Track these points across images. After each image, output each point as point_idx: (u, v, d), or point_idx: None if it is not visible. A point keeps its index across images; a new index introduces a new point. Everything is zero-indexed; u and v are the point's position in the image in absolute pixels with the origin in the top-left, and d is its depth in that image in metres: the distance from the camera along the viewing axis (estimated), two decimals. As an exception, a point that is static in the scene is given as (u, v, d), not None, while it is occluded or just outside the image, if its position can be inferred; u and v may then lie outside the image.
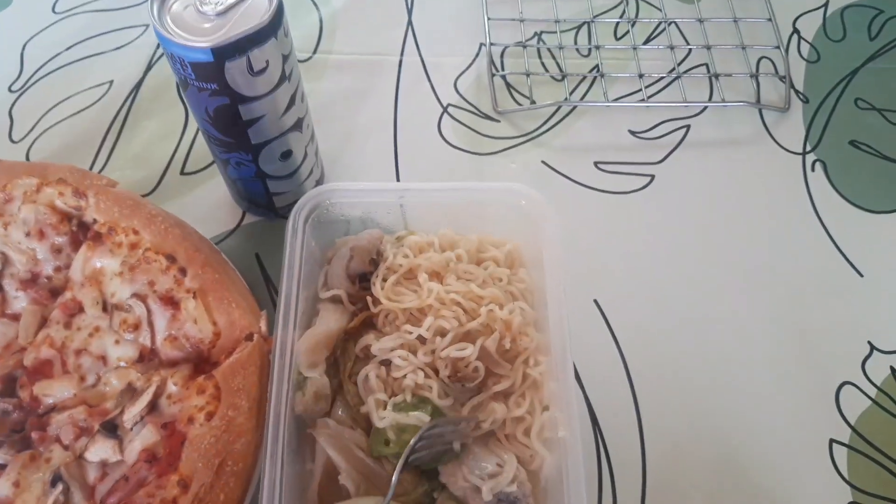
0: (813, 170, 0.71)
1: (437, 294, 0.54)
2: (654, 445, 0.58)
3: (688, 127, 0.73)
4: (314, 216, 0.58)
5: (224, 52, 0.48)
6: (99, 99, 0.73)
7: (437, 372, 0.53)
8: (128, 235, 0.57)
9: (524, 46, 0.77)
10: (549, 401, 0.52)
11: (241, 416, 0.51)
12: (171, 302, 0.56)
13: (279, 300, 0.53)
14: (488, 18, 0.78)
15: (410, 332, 0.53)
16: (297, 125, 0.58)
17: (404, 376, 0.52)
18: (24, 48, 0.77)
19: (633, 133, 0.73)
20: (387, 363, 0.54)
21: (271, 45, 0.50)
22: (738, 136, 0.73)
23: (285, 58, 0.53)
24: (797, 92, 0.76)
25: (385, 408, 0.52)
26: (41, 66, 0.75)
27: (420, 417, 0.51)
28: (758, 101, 0.74)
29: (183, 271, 0.56)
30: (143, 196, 0.67)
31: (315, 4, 0.81)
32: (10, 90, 0.74)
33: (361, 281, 0.58)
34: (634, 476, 0.57)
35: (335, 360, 0.55)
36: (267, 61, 0.51)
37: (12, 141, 0.71)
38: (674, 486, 0.57)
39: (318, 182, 0.67)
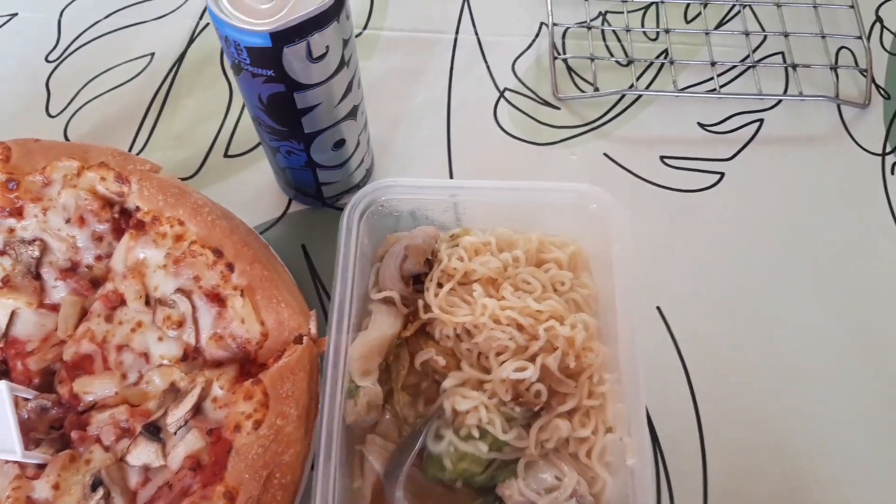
0: (892, 172, 0.67)
1: (492, 312, 0.51)
2: (717, 465, 0.55)
3: (761, 121, 0.69)
4: (368, 213, 0.54)
5: (283, 37, 0.44)
6: (140, 72, 0.70)
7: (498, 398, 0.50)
8: (173, 226, 0.54)
9: (588, 28, 0.72)
10: (615, 422, 0.49)
11: (289, 426, 0.49)
12: (217, 299, 0.53)
13: (332, 305, 0.50)
14: (551, -4, 0.73)
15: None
16: (352, 113, 0.55)
17: (467, 412, 0.49)
18: (61, 14, 0.73)
19: (702, 126, 0.69)
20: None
21: (332, 30, 0.46)
22: (815, 133, 0.69)
23: (345, 42, 0.49)
24: (878, 86, 0.71)
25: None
26: (79, 35, 0.72)
27: (479, 447, 0.48)
28: (836, 95, 0.69)
29: (230, 267, 0.53)
30: (186, 179, 0.65)
31: (366, -25, 0.76)
32: (46, 60, 0.70)
33: (415, 283, 0.55)
34: (695, 495, 0.54)
35: (387, 367, 0.53)
36: (327, 47, 0.47)
37: (49, 115, 0.68)
38: (736, 507, 0.54)
39: (369, 171, 0.63)
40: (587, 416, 0.50)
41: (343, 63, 0.49)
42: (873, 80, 0.71)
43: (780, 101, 0.70)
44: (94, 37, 0.72)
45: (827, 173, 0.67)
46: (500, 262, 0.54)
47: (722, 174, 0.66)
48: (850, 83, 0.72)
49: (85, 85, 0.69)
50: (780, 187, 0.66)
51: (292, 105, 0.50)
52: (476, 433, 0.49)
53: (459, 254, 0.55)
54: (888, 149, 0.68)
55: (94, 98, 0.68)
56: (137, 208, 0.56)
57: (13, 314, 0.54)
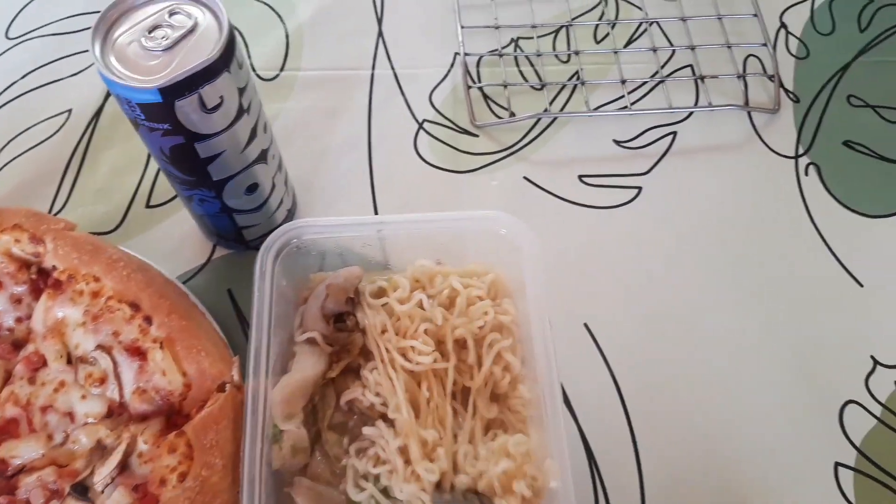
0: (807, 174, 0.68)
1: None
2: (652, 475, 0.55)
3: (674, 134, 0.70)
4: (285, 253, 0.55)
5: (173, 92, 0.45)
6: (57, 130, 0.70)
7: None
8: (89, 283, 0.54)
9: (500, 55, 0.74)
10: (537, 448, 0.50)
11: (215, 476, 0.48)
12: (137, 353, 0.53)
13: (249, 348, 0.50)
14: (462, 26, 0.74)
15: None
16: (262, 157, 0.55)
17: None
18: (-22, 76, 0.73)
19: (617, 143, 0.70)
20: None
21: (224, 80, 0.46)
22: (728, 141, 0.70)
23: (241, 90, 0.49)
24: (787, 91, 0.73)
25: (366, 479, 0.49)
26: (-3, 96, 0.72)
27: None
28: (746, 103, 0.71)
29: (148, 319, 0.53)
30: (108, 232, 0.65)
31: (280, 18, 0.77)
32: (-36, 124, 0.70)
33: (337, 321, 0.55)
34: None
35: (313, 408, 0.53)
36: (221, 97, 0.47)
37: (-32, 179, 0.67)
38: (674, 517, 0.55)
39: (290, 211, 0.64)
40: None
41: (242, 110, 0.50)
42: (781, 85, 0.73)
43: (691, 113, 0.71)
44: (11, 98, 0.72)
45: (742, 180, 0.68)
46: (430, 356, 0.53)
47: (639, 188, 0.67)
48: (760, 90, 0.73)
49: (3, 147, 0.69)
50: (697, 197, 0.67)
51: (195, 155, 0.50)
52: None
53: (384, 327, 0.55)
54: (800, 151, 0.70)
55: (13, 159, 0.68)
56: (54, 267, 0.55)
57: (-68, 388, 0.53)
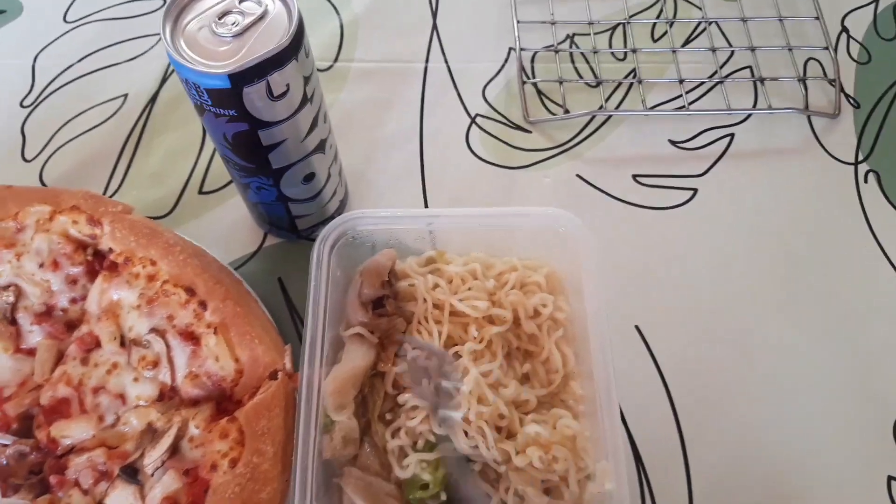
0: (866, 181, 0.67)
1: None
2: (701, 483, 0.54)
3: (732, 136, 0.69)
4: (340, 244, 0.55)
5: (242, 78, 0.45)
6: (113, 114, 0.70)
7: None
8: (145, 266, 0.55)
9: (556, 51, 0.73)
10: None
11: (266, 463, 0.48)
12: (191, 337, 0.53)
13: (304, 339, 0.50)
14: (517, 21, 0.73)
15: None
16: (320, 147, 0.55)
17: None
18: (35, 60, 0.74)
19: (673, 143, 0.69)
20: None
21: (292, 68, 0.46)
22: (786, 146, 0.69)
23: (307, 79, 0.49)
24: (847, 96, 0.72)
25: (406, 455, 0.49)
26: (53, 80, 0.72)
27: (448, 448, 0.49)
28: (806, 107, 0.70)
29: (203, 305, 0.53)
30: (161, 217, 0.65)
31: (335, 9, 0.77)
32: (21, 105, 0.71)
33: (376, 307, 0.55)
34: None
35: (363, 399, 0.52)
36: (287, 85, 0.47)
37: (25, 160, 0.68)
38: (722, 526, 0.54)
39: (343, 202, 0.64)
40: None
41: (306, 99, 0.50)
42: (842, 90, 0.72)
43: (749, 115, 0.70)
44: (68, 80, 0.72)
45: (800, 185, 0.67)
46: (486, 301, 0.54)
47: (695, 190, 0.66)
48: (820, 94, 0.72)
49: (59, 129, 0.69)
50: (753, 201, 0.66)
51: (258, 142, 0.50)
52: (433, 437, 0.49)
53: (437, 283, 0.55)
54: (860, 157, 0.68)
55: (69, 141, 0.69)
56: (111, 250, 0.56)
57: (-12, 361, 0.54)
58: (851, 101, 0.72)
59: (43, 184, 0.66)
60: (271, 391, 0.51)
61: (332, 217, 0.63)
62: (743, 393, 0.58)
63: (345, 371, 0.51)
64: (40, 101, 0.71)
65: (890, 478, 0.55)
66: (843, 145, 0.69)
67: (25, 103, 0.71)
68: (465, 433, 0.49)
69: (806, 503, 0.54)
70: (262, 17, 0.46)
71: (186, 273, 0.54)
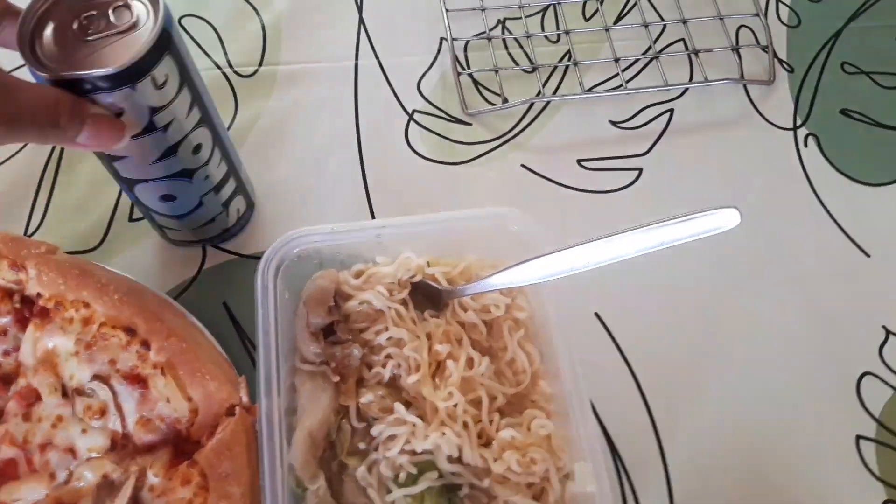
0: (806, 145, 0.67)
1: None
2: (677, 461, 0.54)
3: (671, 111, 0.69)
4: (285, 265, 0.52)
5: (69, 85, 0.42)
6: (24, 145, 0.65)
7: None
8: (78, 310, 0.51)
9: (489, 38, 0.71)
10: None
11: (234, 505, 0.46)
12: (137, 380, 0.50)
13: (258, 370, 0.48)
14: (447, 10, 0.71)
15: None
16: (183, 174, 0.52)
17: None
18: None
19: (614, 123, 0.68)
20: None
21: (122, 95, 0.43)
22: (725, 116, 0.69)
23: (155, 109, 0.46)
24: (781, 61, 0.72)
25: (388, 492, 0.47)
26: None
27: (431, 477, 0.47)
28: (741, 76, 0.70)
29: (146, 344, 0.50)
30: (90, 251, 0.61)
31: (255, 10, 0.73)
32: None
33: (327, 335, 0.53)
34: (661, 496, 0.54)
35: (331, 443, 0.50)
36: (122, 108, 0.44)
37: (-68, 203, 0.63)
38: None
39: (243, 218, 0.61)
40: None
41: (153, 126, 0.46)
42: (775, 56, 0.72)
43: (686, 90, 0.70)
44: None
45: (742, 155, 0.67)
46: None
47: (640, 170, 0.66)
48: (754, 61, 0.72)
49: (-35, 167, 0.64)
50: (698, 175, 0.66)
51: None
52: (414, 470, 0.48)
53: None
54: (798, 122, 0.69)
55: (-21, 179, 0.64)
56: (39, 295, 0.52)
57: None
58: (785, 66, 0.72)
59: (-44, 227, 0.62)
60: (230, 428, 0.48)
61: (227, 231, 0.61)
62: (708, 369, 0.58)
63: (306, 436, 0.48)
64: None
65: (858, 437, 0.56)
66: (780, 111, 0.69)
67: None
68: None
69: (780, 467, 0.54)
70: (128, 29, 0.43)
71: (124, 312, 0.51)
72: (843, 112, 0.69)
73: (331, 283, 0.53)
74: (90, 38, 0.42)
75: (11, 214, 0.62)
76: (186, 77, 0.47)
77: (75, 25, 0.43)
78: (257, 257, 0.59)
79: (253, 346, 0.58)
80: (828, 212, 0.64)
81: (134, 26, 0.43)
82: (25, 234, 0.62)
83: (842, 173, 0.66)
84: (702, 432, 0.56)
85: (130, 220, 0.62)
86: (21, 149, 0.65)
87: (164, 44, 0.43)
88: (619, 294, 0.60)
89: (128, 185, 0.52)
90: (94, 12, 0.43)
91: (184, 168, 0.51)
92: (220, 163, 0.54)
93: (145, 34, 0.42)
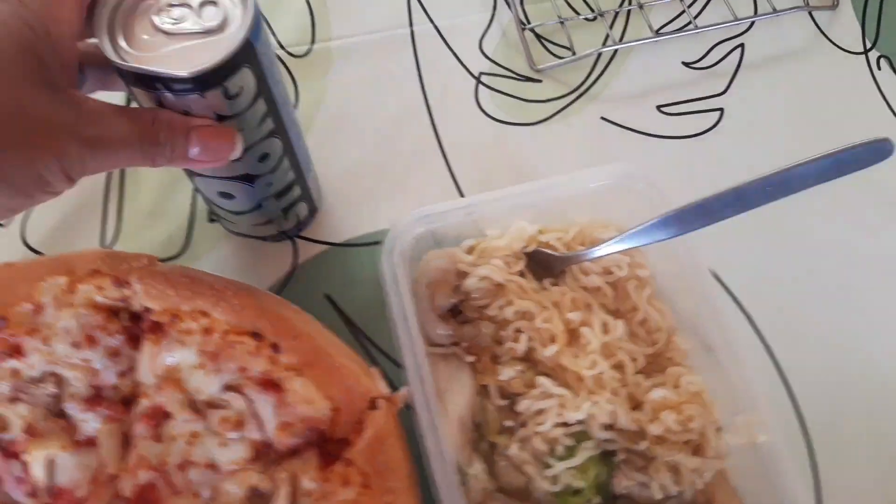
0: (879, 67, 0.67)
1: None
2: (810, 409, 0.55)
3: (742, 46, 0.67)
4: (401, 250, 0.50)
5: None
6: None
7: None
8: (197, 320, 0.49)
9: (547, -11, 0.69)
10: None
11: (399, 500, 0.45)
12: (271, 385, 0.48)
13: (404, 360, 0.46)
14: (498, -36, 0.68)
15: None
16: (245, 178, 0.50)
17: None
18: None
19: (687, 64, 0.67)
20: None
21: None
22: (795, 46, 0.68)
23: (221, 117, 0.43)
24: (841, -15, 0.71)
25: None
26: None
27: (589, 447, 0.47)
28: (806, 2, 0.69)
29: (275, 347, 0.48)
30: (175, 257, 0.59)
31: (295, -15, 0.69)
32: (-30, 162, 0.61)
33: (455, 315, 0.52)
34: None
35: (477, 425, 0.50)
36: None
37: (-2, 224, 0.59)
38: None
39: (305, 219, 0.59)
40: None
41: None
42: (835, -21, 0.71)
43: (753, 23, 0.68)
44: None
45: (818, 83, 0.67)
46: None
47: (721, 110, 0.65)
48: (814, -13, 0.71)
49: (24, 183, 0.60)
50: (779, 109, 0.66)
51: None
52: (571, 442, 0.47)
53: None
54: (868, 45, 0.68)
55: (41, 194, 0.60)
56: (148, 309, 0.50)
57: (50, 464, 0.48)
58: (846, -10, 0.71)
59: (30, 248, 0.58)
60: (379, 422, 0.47)
61: (282, 233, 0.59)
62: (823, 303, 0.58)
63: (459, 415, 0.48)
64: (-7, 154, 0.62)
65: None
66: (849, 36, 0.69)
67: (-24, 160, 0.61)
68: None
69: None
70: (209, 32, 0.39)
71: (246, 317, 0.49)
72: (910, 30, 0.69)
73: (451, 263, 0.52)
74: (172, 31, 0.39)
75: (83, 229, 0.59)
76: (264, 88, 0.44)
77: (160, 15, 0.40)
78: (351, 245, 0.58)
79: (367, 337, 0.56)
80: (910, 132, 0.64)
81: (220, 28, 0.40)
82: (101, 247, 0.59)
83: (919, 92, 0.66)
84: (830, 367, 0.56)
85: (210, 220, 0.60)
86: (80, 158, 0.61)
87: (245, 55, 0.40)
88: (730, 247, 0.59)
89: (188, 172, 0.51)
90: (182, 4, 0.40)
91: (246, 173, 0.49)
92: (287, 171, 0.52)
93: (227, 41, 0.39)
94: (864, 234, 0.61)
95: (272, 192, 0.52)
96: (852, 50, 0.68)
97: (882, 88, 0.66)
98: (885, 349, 0.57)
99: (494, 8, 0.69)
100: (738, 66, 0.67)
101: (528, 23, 0.67)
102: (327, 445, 0.48)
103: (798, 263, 0.59)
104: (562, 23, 0.66)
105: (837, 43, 0.68)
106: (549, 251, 0.53)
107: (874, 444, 0.54)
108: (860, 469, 0.54)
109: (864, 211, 0.62)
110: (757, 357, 0.56)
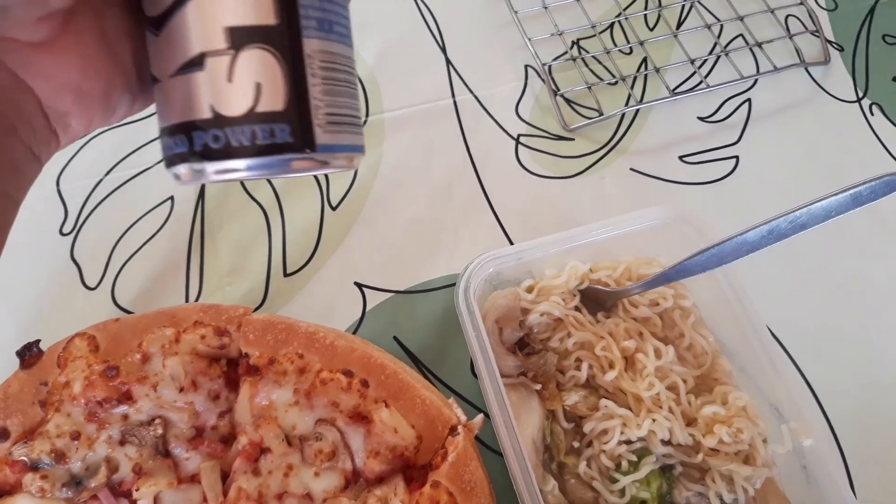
0: (872, 113, 0.74)
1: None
2: (840, 421, 0.60)
3: (749, 100, 0.75)
4: (471, 289, 0.56)
5: None
6: (166, 220, 0.68)
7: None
8: (293, 361, 0.54)
9: (573, 59, 0.76)
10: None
11: (485, 514, 0.50)
12: (361, 417, 0.53)
13: (485, 390, 0.51)
14: (529, 39, 0.76)
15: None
16: None
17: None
18: (58, 185, 0.69)
19: (701, 119, 0.74)
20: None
21: None
22: (796, 98, 0.76)
23: None
24: (830, 42, 0.79)
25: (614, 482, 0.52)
26: (86, 200, 0.69)
27: (650, 461, 0.52)
28: (802, 60, 0.77)
29: (365, 383, 0.54)
30: (256, 310, 0.64)
31: (347, 64, 0.77)
32: (61, 233, 0.67)
33: (522, 348, 0.57)
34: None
35: (546, 447, 0.55)
36: None
37: (88, 287, 0.65)
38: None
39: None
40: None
41: None
42: (825, 38, 0.79)
43: (756, 80, 0.76)
44: (102, 197, 0.69)
45: (820, 129, 0.74)
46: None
47: (736, 157, 0.72)
48: (808, 46, 0.79)
49: (113, 248, 0.66)
50: (787, 154, 0.73)
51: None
52: (634, 457, 0.52)
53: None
54: (860, 94, 0.76)
55: (130, 258, 0.66)
56: (245, 354, 0.55)
57: (156, 500, 0.52)
58: (835, 46, 0.79)
59: (121, 308, 0.64)
60: (462, 446, 0.52)
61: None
62: (852, 326, 0.64)
63: (532, 439, 0.53)
64: (81, 225, 0.68)
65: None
66: (842, 87, 0.76)
67: (65, 230, 0.67)
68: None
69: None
70: None
71: (337, 356, 0.54)
72: (895, 79, 0.77)
73: (515, 300, 0.57)
74: None
75: (169, 289, 0.65)
76: None
77: None
78: (413, 291, 0.64)
79: (433, 374, 0.61)
80: (907, 170, 0.71)
81: None
82: (186, 302, 0.64)
83: (909, 134, 0.73)
84: (856, 380, 0.61)
85: (285, 275, 0.66)
86: (163, 224, 0.68)
87: None
88: (762, 279, 0.64)
89: None
90: None
91: None
92: None
93: None
94: (876, 260, 0.67)
95: None
96: (846, 99, 0.76)
97: (876, 132, 0.73)
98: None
99: (526, 77, 0.77)
100: (748, 118, 0.74)
101: (559, 89, 0.75)
102: (412, 471, 0.53)
103: (820, 290, 0.66)
104: (588, 88, 0.74)
105: (833, 93, 0.76)
106: (601, 287, 0.59)
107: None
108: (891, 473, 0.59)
109: (872, 239, 0.68)
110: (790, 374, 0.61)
